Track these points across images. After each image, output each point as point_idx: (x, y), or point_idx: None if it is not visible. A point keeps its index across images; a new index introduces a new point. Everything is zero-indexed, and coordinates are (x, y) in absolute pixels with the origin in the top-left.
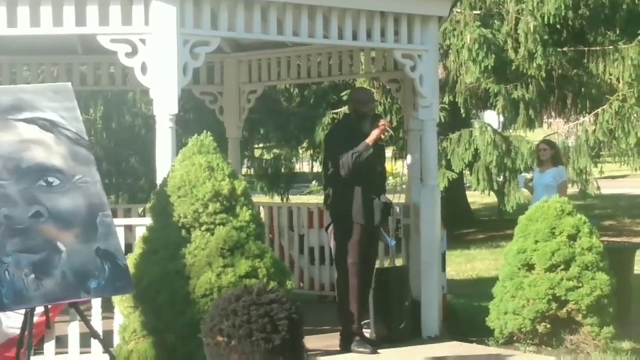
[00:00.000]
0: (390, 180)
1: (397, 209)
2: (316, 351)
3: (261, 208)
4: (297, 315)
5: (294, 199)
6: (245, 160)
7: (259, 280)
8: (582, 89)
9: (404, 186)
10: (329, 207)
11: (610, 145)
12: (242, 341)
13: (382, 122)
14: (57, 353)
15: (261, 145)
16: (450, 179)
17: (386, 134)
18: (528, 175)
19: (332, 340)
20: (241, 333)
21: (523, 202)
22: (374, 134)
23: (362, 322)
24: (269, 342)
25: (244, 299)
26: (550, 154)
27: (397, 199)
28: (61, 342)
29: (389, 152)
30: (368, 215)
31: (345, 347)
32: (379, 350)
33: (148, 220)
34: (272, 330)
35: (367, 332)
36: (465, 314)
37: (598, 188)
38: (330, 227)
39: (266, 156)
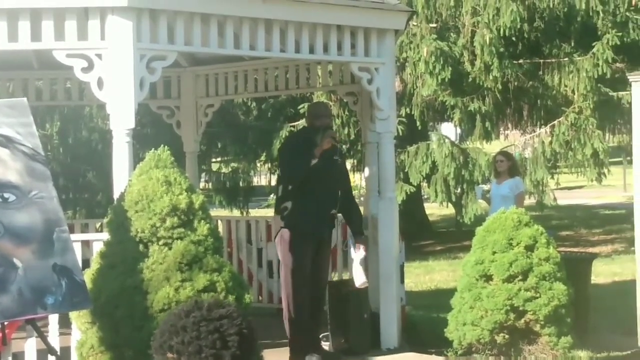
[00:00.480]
0: None
1: None
2: None
3: (219, 222)
4: (248, 331)
5: (253, 212)
6: (203, 174)
7: (216, 294)
8: (538, 101)
9: (362, 198)
10: (284, 218)
11: (566, 157)
12: (191, 358)
13: (328, 134)
14: None
15: (219, 159)
16: (408, 193)
17: (333, 144)
18: (485, 187)
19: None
20: (190, 350)
21: (481, 213)
22: (321, 145)
23: (320, 335)
24: (218, 359)
25: (194, 315)
26: (507, 166)
27: None
28: (18, 359)
29: (347, 165)
30: (316, 226)
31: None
32: None
33: (105, 236)
34: (221, 346)
35: (325, 345)
36: (424, 326)
37: (555, 199)
38: (277, 237)
39: (224, 170)
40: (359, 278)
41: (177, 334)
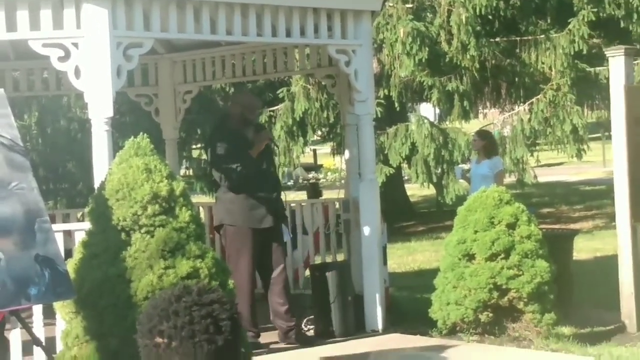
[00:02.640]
0: (329, 176)
1: (337, 205)
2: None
3: (201, 208)
4: (238, 315)
5: None
6: (184, 161)
7: (200, 281)
8: (516, 79)
9: (342, 181)
10: (218, 212)
11: (545, 134)
12: (184, 343)
13: (263, 135)
14: None
15: (199, 145)
16: (388, 174)
17: (270, 145)
18: (465, 166)
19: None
20: (183, 334)
21: (462, 193)
22: (258, 147)
23: (305, 319)
24: (212, 343)
25: (184, 300)
26: (482, 144)
27: (337, 194)
28: (3, 351)
29: (327, 148)
30: (256, 219)
31: None
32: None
33: (87, 225)
34: (215, 331)
35: (310, 329)
36: (409, 307)
37: (535, 177)
38: (223, 230)
39: (204, 156)
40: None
41: (167, 319)
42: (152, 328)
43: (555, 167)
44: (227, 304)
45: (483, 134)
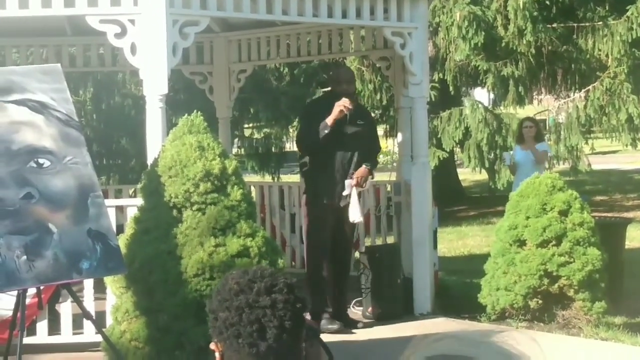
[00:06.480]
0: (381, 158)
1: (388, 187)
2: None
3: (252, 187)
4: (292, 322)
5: (285, 178)
6: (236, 140)
7: (250, 259)
8: (572, 65)
9: (394, 164)
10: (304, 176)
11: (601, 122)
12: (230, 339)
13: (340, 102)
14: (49, 334)
15: (251, 124)
16: (441, 158)
17: (346, 111)
18: (510, 153)
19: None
20: (229, 333)
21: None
22: (333, 113)
23: (354, 301)
24: (252, 347)
25: (239, 298)
26: (535, 131)
27: (389, 176)
28: (54, 323)
29: (380, 130)
30: (332, 194)
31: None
32: (354, 330)
33: (139, 201)
34: (258, 337)
35: (359, 310)
36: (458, 291)
37: (589, 164)
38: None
39: (257, 135)
40: (354, 214)
41: (223, 311)
42: (214, 311)
43: (609, 155)
44: (281, 309)
45: (535, 121)
